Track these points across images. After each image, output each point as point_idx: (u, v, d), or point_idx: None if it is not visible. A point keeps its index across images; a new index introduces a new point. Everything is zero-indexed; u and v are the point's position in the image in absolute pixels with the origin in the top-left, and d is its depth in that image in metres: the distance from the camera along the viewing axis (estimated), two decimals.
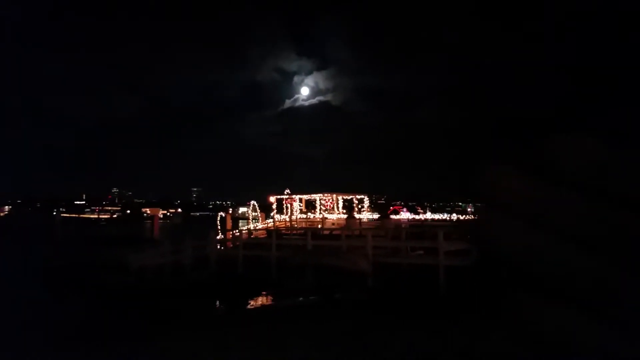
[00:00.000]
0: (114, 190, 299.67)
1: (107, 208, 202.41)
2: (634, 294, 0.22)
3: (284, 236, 21.95)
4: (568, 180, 0.23)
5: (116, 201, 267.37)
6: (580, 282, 0.23)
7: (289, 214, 34.77)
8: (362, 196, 38.38)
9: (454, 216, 37.94)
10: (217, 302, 14.42)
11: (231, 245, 20.74)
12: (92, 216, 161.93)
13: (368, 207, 39.08)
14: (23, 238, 40.41)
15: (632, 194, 0.22)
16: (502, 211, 0.24)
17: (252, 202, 34.86)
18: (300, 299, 13.61)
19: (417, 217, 39.02)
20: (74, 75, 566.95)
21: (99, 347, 8.60)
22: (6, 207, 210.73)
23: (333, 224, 29.45)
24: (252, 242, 20.91)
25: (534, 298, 0.24)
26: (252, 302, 14.31)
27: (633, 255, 0.23)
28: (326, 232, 23.09)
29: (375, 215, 36.74)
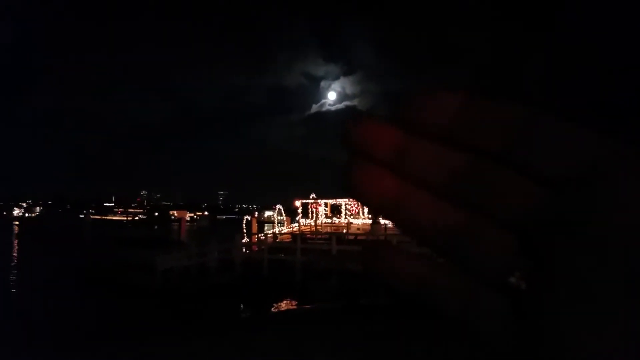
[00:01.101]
0: (143, 192, 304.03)
1: (129, 210, 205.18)
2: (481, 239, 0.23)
3: (309, 240, 21.91)
4: (429, 132, 0.23)
5: (144, 203, 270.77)
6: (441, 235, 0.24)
7: (314, 218, 34.74)
8: None
9: None
10: (242, 305, 14.47)
11: (256, 249, 20.80)
12: (114, 218, 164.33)
13: None
14: (53, 239, 41.20)
15: (489, 146, 0.23)
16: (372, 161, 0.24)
17: (278, 206, 35.02)
18: (324, 303, 13.57)
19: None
20: (105, 79, 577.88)
21: (125, 345, 8.71)
22: (37, 207, 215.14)
23: (358, 229, 29.31)
24: (277, 246, 20.93)
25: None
26: (276, 306, 14.33)
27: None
28: (351, 237, 22.99)
29: None
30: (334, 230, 29.07)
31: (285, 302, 14.76)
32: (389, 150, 0.24)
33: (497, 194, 0.23)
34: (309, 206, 36.24)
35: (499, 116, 0.23)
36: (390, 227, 30.87)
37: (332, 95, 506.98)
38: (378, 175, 0.25)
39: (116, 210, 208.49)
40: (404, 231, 0.26)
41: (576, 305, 0.20)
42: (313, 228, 31.52)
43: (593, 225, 0.21)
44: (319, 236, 24.70)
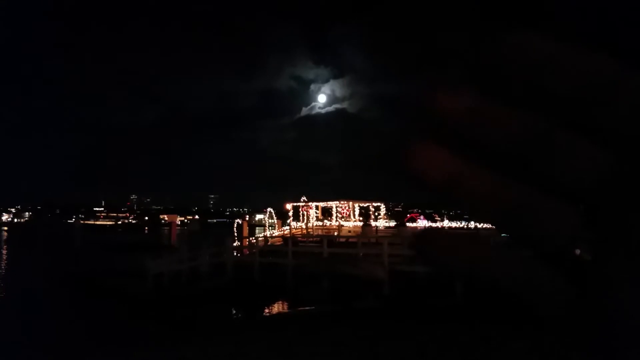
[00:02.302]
0: (133, 197, 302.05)
1: (116, 215, 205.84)
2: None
3: (300, 243, 21.93)
4: (518, 81, 0.23)
5: (134, 208, 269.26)
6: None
7: (305, 221, 34.74)
8: (379, 204, 38.25)
9: (472, 224, 37.67)
10: (234, 309, 14.46)
11: (247, 252, 20.77)
12: (96, 222, 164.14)
13: (384, 214, 38.93)
14: (43, 245, 40.91)
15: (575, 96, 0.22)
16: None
17: (269, 209, 34.94)
18: (316, 306, 13.59)
19: (434, 225, 38.84)
20: (95, 82, 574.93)
21: (117, 352, 8.68)
22: (26, 213, 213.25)
23: (349, 231, 29.37)
24: (268, 249, 20.92)
25: None
26: (268, 309, 14.33)
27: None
28: (342, 240, 23.03)
29: (392, 223, 36.64)
30: (325, 232, 29.11)
31: (277, 305, 14.77)
32: (463, 114, 0.24)
33: (564, 161, 0.23)
34: (300, 209, 36.26)
35: (588, 65, 0.22)
36: (381, 229, 31.01)
37: (322, 98, 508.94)
38: (439, 152, 0.25)
39: (98, 214, 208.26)
40: (464, 208, 0.25)
41: None
42: (304, 231, 31.53)
43: None
44: (310, 239, 24.72)
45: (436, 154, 0.25)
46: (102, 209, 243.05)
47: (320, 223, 35.09)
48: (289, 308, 14.37)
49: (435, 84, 0.24)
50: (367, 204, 38.21)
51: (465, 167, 0.25)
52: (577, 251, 0.22)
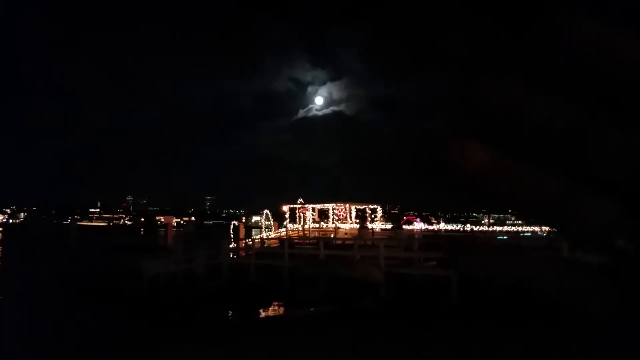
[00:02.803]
0: (129, 198, 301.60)
1: (105, 216, 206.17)
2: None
3: (297, 245, 21.93)
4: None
5: (130, 209, 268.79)
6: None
7: (301, 223, 34.76)
8: (375, 206, 38.31)
9: (468, 227, 37.80)
10: (230, 311, 14.43)
11: (244, 254, 20.78)
12: (89, 223, 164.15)
13: (381, 217, 38.94)
14: (39, 246, 40.78)
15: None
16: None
17: (265, 211, 34.89)
18: (312, 308, 13.59)
19: (430, 227, 38.98)
20: (91, 83, 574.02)
21: (113, 355, 8.66)
22: (21, 214, 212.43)
23: (346, 233, 29.43)
24: (264, 251, 20.94)
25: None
26: (264, 312, 14.31)
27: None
28: (339, 242, 23.04)
29: (388, 225, 36.69)
30: (322, 234, 29.15)
31: (273, 307, 14.76)
32: (509, 104, 0.24)
33: (604, 151, 0.22)
34: (297, 211, 36.29)
35: (633, 49, 0.22)
36: (377, 232, 31.03)
37: (319, 100, 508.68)
38: (479, 146, 0.25)
39: (92, 215, 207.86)
40: (502, 202, 0.25)
41: None
42: (301, 233, 31.55)
43: None
44: (307, 241, 24.73)
45: (478, 148, 0.24)
46: (98, 210, 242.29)
47: (316, 225, 35.11)
48: (285, 310, 14.36)
49: (486, 75, 0.24)
50: (364, 206, 38.27)
51: (505, 160, 0.24)
52: (620, 241, 0.22)
